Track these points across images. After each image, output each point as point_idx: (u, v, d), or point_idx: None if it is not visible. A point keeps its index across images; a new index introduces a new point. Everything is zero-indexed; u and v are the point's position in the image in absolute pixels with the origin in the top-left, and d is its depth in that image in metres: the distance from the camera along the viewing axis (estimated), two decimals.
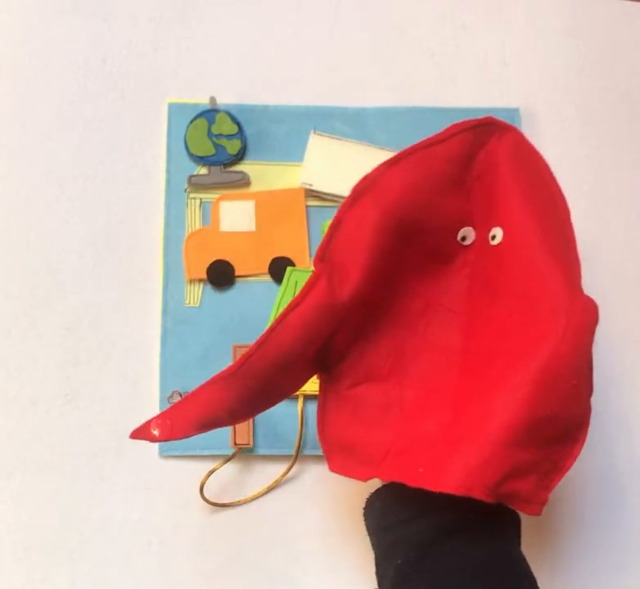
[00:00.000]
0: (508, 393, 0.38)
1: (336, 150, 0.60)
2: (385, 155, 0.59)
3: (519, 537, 0.44)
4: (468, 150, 0.42)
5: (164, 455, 0.56)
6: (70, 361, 0.57)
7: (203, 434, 0.56)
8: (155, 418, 0.43)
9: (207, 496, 0.55)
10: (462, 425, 0.40)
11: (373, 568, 0.55)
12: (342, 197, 0.59)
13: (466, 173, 0.43)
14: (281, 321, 0.41)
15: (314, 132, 0.60)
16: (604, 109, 0.64)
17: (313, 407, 0.56)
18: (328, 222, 0.59)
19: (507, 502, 0.39)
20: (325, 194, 0.59)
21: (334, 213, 0.59)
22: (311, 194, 0.60)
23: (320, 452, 0.56)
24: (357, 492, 0.56)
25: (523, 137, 0.44)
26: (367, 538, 0.56)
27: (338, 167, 0.59)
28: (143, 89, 0.62)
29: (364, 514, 0.47)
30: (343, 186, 0.59)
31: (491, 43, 0.65)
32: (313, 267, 0.42)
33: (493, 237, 0.42)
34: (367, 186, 0.42)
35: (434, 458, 0.40)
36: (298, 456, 0.55)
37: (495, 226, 0.42)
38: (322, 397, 0.46)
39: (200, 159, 0.60)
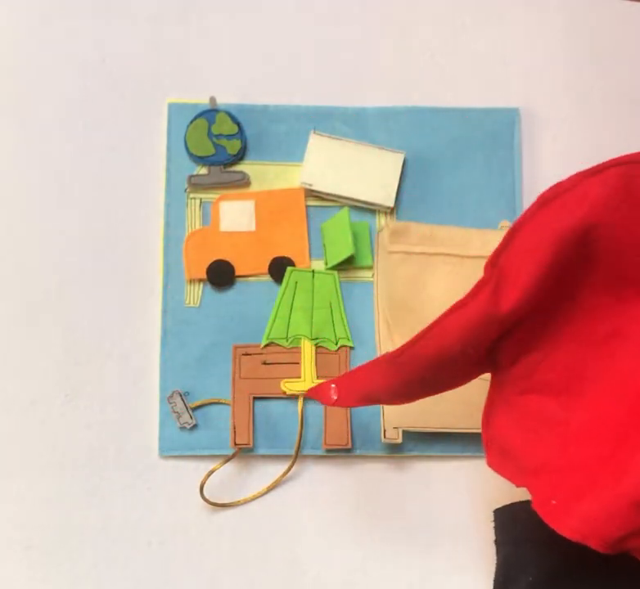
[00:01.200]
0: None
1: (336, 150, 0.60)
2: (385, 155, 0.60)
3: None
4: None
5: (164, 455, 0.56)
6: (70, 361, 0.57)
7: (203, 434, 0.56)
8: (330, 382, 0.46)
9: (207, 496, 0.55)
10: (608, 465, 0.39)
11: (373, 568, 0.55)
12: (342, 197, 0.60)
13: None
14: (439, 321, 0.40)
15: (314, 132, 0.60)
16: (604, 109, 0.64)
17: (312, 407, 0.56)
18: (328, 223, 0.59)
19: (633, 554, 0.38)
20: (325, 194, 0.59)
21: (334, 213, 0.60)
22: (311, 194, 0.60)
23: (319, 452, 0.56)
24: (357, 492, 0.56)
25: None
26: (367, 538, 0.56)
27: (338, 167, 0.59)
28: (143, 89, 0.62)
29: (496, 518, 0.47)
30: (343, 186, 0.60)
31: (491, 43, 0.65)
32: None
33: None
34: (557, 195, 0.38)
35: (572, 493, 0.39)
36: (298, 456, 0.55)
37: None
38: (491, 396, 0.44)
39: (200, 159, 0.60)
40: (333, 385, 0.46)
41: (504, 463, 0.43)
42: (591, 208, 0.37)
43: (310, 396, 0.48)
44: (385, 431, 0.55)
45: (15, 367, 0.57)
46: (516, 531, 0.45)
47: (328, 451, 0.56)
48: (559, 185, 0.38)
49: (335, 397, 0.46)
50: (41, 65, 0.62)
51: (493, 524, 0.52)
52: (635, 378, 0.40)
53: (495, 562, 0.51)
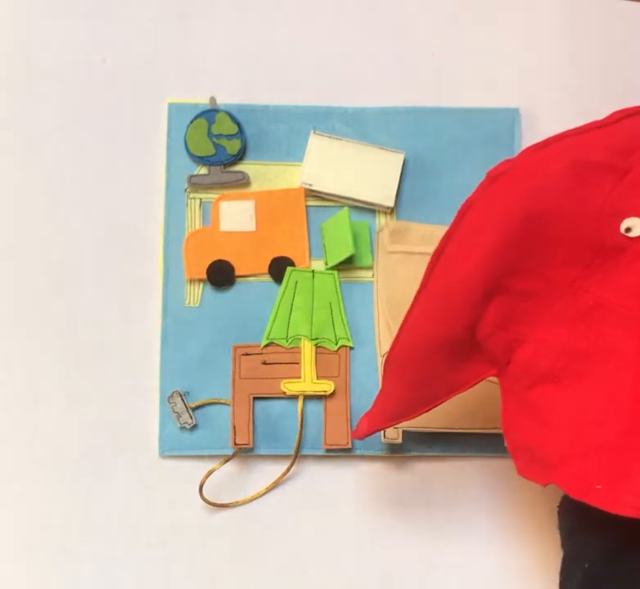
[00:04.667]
0: None
1: (336, 150, 0.60)
2: (385, 155, 0.60)
3: None
4: (632, 137, 0.39)
5: (164, 455, 0.56)
6: (71, 361, 0.57)
7: (203, 434, 0.56)
8: (363, 417, 0.48)
9: (207, 497, 0.55)
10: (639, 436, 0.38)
11: (373, 568, 0.55)
12: (342, 197, 0.60)
13: (630, 160, 0.39)
14: (410, 308, 0.42)
15: (314, 132, 0.60)
16: (604, 109, 0.64)
17: (312, 407, 0.56)
18: (328, 223, 0.59)
19: None
20: (325, 194, 0.59)
21: (334, 212, 0.60)
22: (311, 194, 0.60)
23: (319, 452, 0.56)
24: (357, 492, 0.56)
25: None
26: (366, 538, 0.56)
27: (338, 167, 0.59)
28: (143, 89, 0.62)
29: (559, 512, 0.46)
30: (343, 186, 0.60)
31: (491, 44, 0.65)
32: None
33: None
34: (505, 170, 0.39)
35: (612, 473, 0.38)
36: (297, 456, 0.55)
37: None
38: (503, 401, 0.44)
39: (200, 159, 0.60)
40: (364, 419, 0.48)
41: (530, 465, 0.43)
42: (538, 179, 0.38)
43: (355, 437, 0.50)
44: (384, 431, 0.55)
45: (15, 367, 0.57)
46: (565, 523, 0.45)
47: (328, 451, 0.56)
48: (507, 161, 0.40)
49: (363, 431, 0.48)
50: (41, 65, 0.62)
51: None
52: (626, 344, 0.40)
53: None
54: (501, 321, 0.41)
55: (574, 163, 0.38)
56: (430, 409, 0.46)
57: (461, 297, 0.40)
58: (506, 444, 0.44)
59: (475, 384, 0.44)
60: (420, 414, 0.46)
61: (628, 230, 0.40)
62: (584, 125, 0.39)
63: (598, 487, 0.38)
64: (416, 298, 0.42)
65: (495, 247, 0.39)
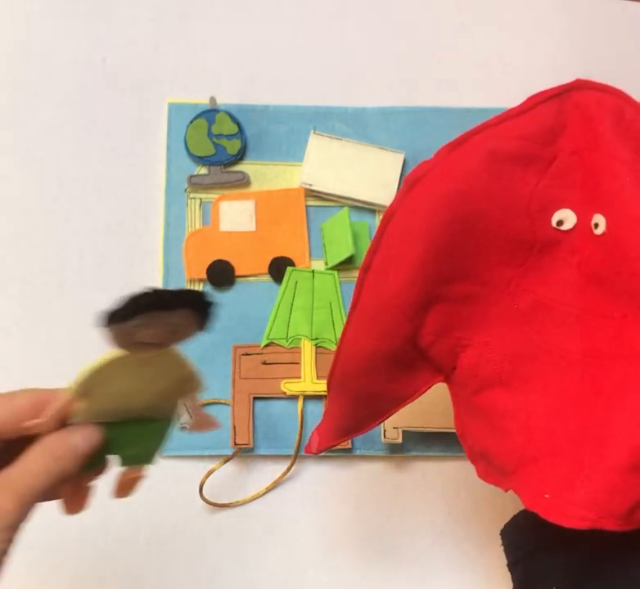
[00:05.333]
0: (628, 413, 0.35)
1: (336, 150, 0.60)
2: (385, 155, 0.60)
3: None
4: (551, 123, 0.37)
5: (164, 455, 0.56)
6: (71, 362, 0.57)
7: (203, 434, 0.56)
8: (313, 432, 0.47)
9: (207, 496, 0.55)
10: (586, 442, 0.37)
11: (373, 568, 0.55)
12: (342, 197, 0.60)
13: (553, 149, 0.37)
14: (346, 325, 0.40)
15: (314, 132, 0.60)
16: None
17: (312, 407, 0.56)
18: (328, 223, 0.59)
19: None
20: (325, 194, 0.59)
21: (334, 212, 0.60)
22: (311, 194, 0.60)
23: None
24: (357, 492, 0.56)
25: (626, 98, 0.38)
26: (366, 538, 0.56)
27: (338, 167, 0.59)
28: (143, 89, 0.62)
29: (505, 536, 0.44)
30: (343, 186, 0.60)
31: (491, 43, 0.65)
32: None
33: (596, 226, 0.37)
34: (423, 174, 0.37)
35: (560, 482, 0.37)
36: (297, 456, 0.55)
37: (596, 212, 0.37)
38: (455, 408, 0.43)
39: (200, 159, 0.60)
40: (314, 435, 0.47)
41: (489, 470, 0.42)
42: (458, 179, 0.36)
43: (306, 451, 0.48)
44: (385, 431, 0.55)
45: (16, 367, 0.57)
46: (527, 544, 0.43)
47: (328, 451, 0.56)
48: (424, 163, 0.37)
49: (314, 448, 0.47)
50: (41, 64, 0.62)
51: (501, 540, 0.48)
52: (570, 342, 0.38)
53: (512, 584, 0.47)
54: (441, 328, 0.39)
55: (493, 157, 0.36)
56: (381, 422, 0.45)
57: (395, 312, 0.38)
58: (464, 448, 0.43)
59: (424, 392, 0.42)
60: (371, 428, 0.45)
61: (559, 223, 0.38)
62: (500, 115, 0.37)
63: (546, 496, 0.37)
64: (349, 315, 0.40)
65: (422, 256, 0.37)
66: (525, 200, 0.37)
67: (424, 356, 0.40)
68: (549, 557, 0.41)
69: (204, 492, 0.54)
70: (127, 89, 0.62)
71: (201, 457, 0.56)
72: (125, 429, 0.39)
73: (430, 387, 0.42)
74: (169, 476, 0.56)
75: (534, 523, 0.40)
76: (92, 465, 0.38)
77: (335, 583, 0.55)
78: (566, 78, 0.65)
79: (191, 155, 0.60)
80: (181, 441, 0.56)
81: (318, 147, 0.60)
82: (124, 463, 0.40)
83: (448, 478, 0.57)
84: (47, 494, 0.36)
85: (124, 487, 0.42)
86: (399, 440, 0.55)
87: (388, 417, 0.44)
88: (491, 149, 0.36)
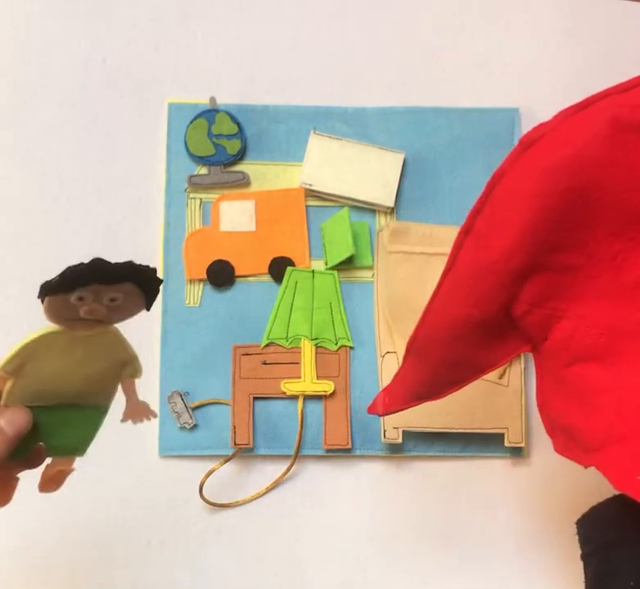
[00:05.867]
0: None
1: (336, 150, 0.60)
2: (385, 155, 0.60)
3: None
4: None
5: (164, 455, 0.56)
6: None
7: (203, 434, 0.56)
8: (380, 393, 0.46)
9: (207, 496, 0.55)
10: None
11: (373, 568, 0.55)
12: (342, 197, 0.59)
13: None
14: (435, 291, 0.39)
15: (314, 132, 0.60)
16: None
17: (312, 407, 0.56)
18: (328, 223, 0.59)
19: None
20: (325, 194, 0.59)
21: (334, 212, 0.60)
22: (311, 194, 0.60)
23: (319, 452, 0.56)
24: (357, 492, 0.56)
25: None
26: (366, 538, 0.56)
27: (338, 167, 0.59)
28: (143, 89, 0.62)
29: (582, 526, 0.43)
30: (343, 186, 0.60)
31: (491, 43, 0.65)
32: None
33: None
34: (541, 135, 0.35)
35: None
36: (297, 456, 0.55)
37: None
38: (539, 379, 0.42)
39: (200, 159, 0.60)
40: (381, 397, 0.46)
41: (569, 444, 0.40)
42: (577, 145, 0.35)
43: (370, 411, 0.48)
44: (385, 431, 0.55)
45: None
46: (605, 536, 0.42)
47: (328, 451, 0.56)
48: (542, 125, 0.36)
49: (380, 409, 0.46)
50: (41, 65, 0.62)
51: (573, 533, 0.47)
52: None
53: (584, 578, 0.45)
54: (538, 298, 0.38)
55: (617, 125, 0.34)
56: (457, 390, 0.43)
57: (493, 278, 0.37)
58: (542, 422, 0.42)
59: (508, 361, 0.41)
60: (445, 395, 0.44)
61: None
62: (628, 81, 0.35)
63: (639, 478, 0.36)
64: (442, 278, 0.39)
65: (531, 223, 0.35)
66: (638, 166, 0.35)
67: (515, 325, 0.39)
68: (629, 552, 0.40)
69: (204, 492, 0.54)
70: (127, 89, 0.62)
71: (201, 457, 0.56)
72: (56, 414, 0.38)
73: (515, 356, 0.41)
74: (169, 476, 0.56)
75: (615, 515, 0.40)
76: (20, 452, 0.37)
77: (335, 583, 0.55)
78: (566, 78, 0.65)
79: (191, 155, 0.60)
80: (181, 441, 0.56)
81: (318, 147, 0.60)
82: (53, 453, 0.39)
83: (448, 478, 0.57)
84: None
85: (51, 481, 0.40)
86: (399, 440, 0.55)
87: (465, 385, 0.43)
88: (615, 116, 0.34)
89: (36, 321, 0.61)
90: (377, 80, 0.64)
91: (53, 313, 0.34)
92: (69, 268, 0.32)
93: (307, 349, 0.57)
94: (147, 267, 0.34)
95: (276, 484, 0.56)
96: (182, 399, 0.56)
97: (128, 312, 0.36)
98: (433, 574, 0.55)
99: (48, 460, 0.39)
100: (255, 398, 0.56)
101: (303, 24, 0.64)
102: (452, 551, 0.55)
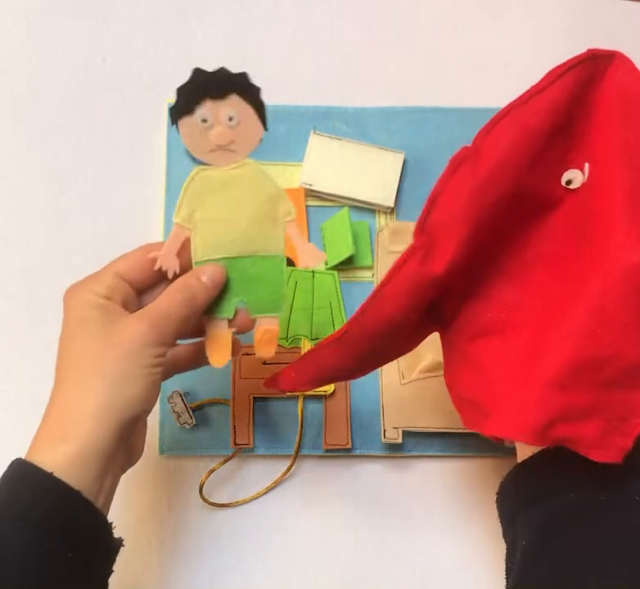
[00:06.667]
0: (559, 332, 0.38)
1: (336, 150, 0.60)
2: (385, 155, 0.60)
3: None
4: (572, 93, 0.39)
5: (164, 455, 0.56)
6: None
7: (203, 434, 0.56)
8: (286, 369, 0.48)
9: (207, 496, 0.55)
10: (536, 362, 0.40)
11: (373, 568, 0.55)
12: (342, 197, 0.59)
13: (572, 116, 0.40)
14: (376, 293, 0.41)
15: (314, 132, 0.60)
16: None
17: (312, 407, 0.56)
18: (328, 223, 0.59)
19: (570, 447, 0.38)
20: (325, 194, 0.59)
21: (334, 212, 0.60)
22: (311, 194, 0.60)
23: (319, 452, 0.56)
24: (357, 492, 0.56)
25: (632, 65, 0.40)
26: (366, 538, 0.56)
27: (338, 167, 0.59)
28: (143, 89, 0.62)
29: (498, 500, 0.46)
30: (343, 186, 0.60)
31: (491, 43, 0.65)
32: (412, 239, 0.41)
33: (569, 182, 0.41)
34: (467, 155, 0.40)
35: (510, 401, 0.40)
36: (298, 456, 0.55)
37: (585, 161, 0.40)
38: (446, 353, 0.45)
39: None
40: (287, 372, 0.48)
41: (473, 417, 0.43)
42: (499, 159, 0.39)
43: (268, 385, 0.49)
44: (385, 431, 0.55)
45: (17, 368, 0.57)
46: (509, 511, 0.45)
47: (328, 451, 0.56)
48: (466, 148, 0.40)
49: (291, 384, 0.48)
50: (41, 64, 0.62)
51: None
52: (565, 296, 0.40)
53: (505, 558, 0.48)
54: (458, 286, 0.42)
55: (525, 132, 0.39)
56: (364, 374, 0.47)
57: (434, 290, 0.41)
58: (451, 398, 0.45)
59: (418, 345, 0.45)
60: (359, 377, 0.48)
61: (568, 182, 0.41)
62: (525, 93, 0.40)
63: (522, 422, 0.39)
64: (384, 282, 0.42)
65: (469, 239, 0.40)
66: (546, 162, 0.40)
67: (432, 311, 0.43)
68: (522, 518, 0.43)
69: (204, 492, 0.54)
70: (127, 89, 0.62)
71: (201, 457, 0.56)
72: (241, 267, 0.43)
73: (424, 338, 0.45)
74: (169, 476, 0.56)
75: (514, 491, 0.43)
76: (225, 309, 0.44)
77: (334, 583, 0.55)
78: None
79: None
80: (181, 441, 0.56)
81: (318, 147, 0.60)
82: (254, 310, 0.44)
83: (448, 478, 0.57)
84: (185, 324, 0.42)
85: (262, 343, 0.46)
86: (399, 440, 0.55)
87: (374, 369, 0.47)
88: (524, 124, 0.39)
89: (36, 321, 0.61)
90: (377, 80, 0.64)
91: (192, 141, 0.41)
92: (177, 89, 0.39)
93: (307, 349, 0.57)
94: (240, 72, 0.39)
95: (276, 484, 0.56)
96: (182, 399, 0.56)
97: (251, 134, 0.41)
98: (434, 574, 0.55)
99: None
100: (255, 398, 0.56)
101: (303, 24, 0.64)
102: (453, 551, 0.55)
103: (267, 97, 0.62)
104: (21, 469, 0.39)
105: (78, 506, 0.38)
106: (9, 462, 0.40)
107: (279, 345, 0.57)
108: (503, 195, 0.40)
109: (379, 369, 0.57)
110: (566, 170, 0.41)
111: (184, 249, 0.43)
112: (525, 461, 0.43)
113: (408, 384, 0.56)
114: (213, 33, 0.64)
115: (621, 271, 0.37)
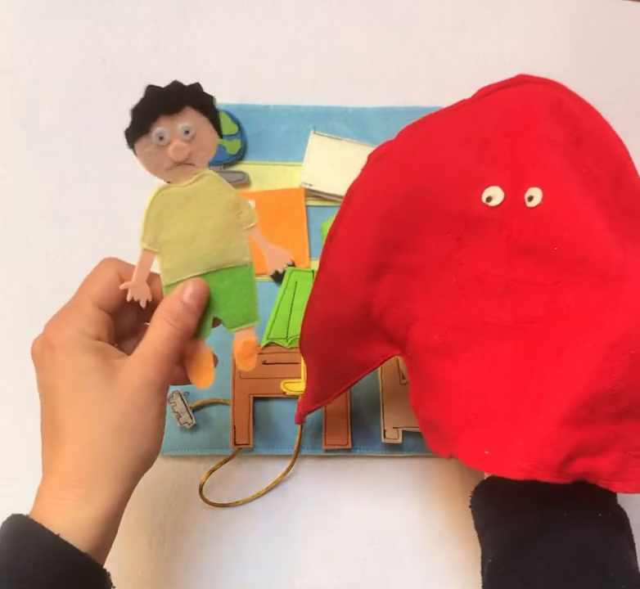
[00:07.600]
0: (564, 369, 0.38)
1: (336, 150, 0.60)
2: None
3: (626, 535, 0.42)
4: (495, 111, 0.41)
5: (164, 455, 0.56)
6: None
7: (203, 434, 0.56)
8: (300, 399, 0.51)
9: (207, 496, 0.55)
10: (524, 400, 0.39)
11: (373, 569, 0.55)
12: (342, 197, 0.59)
13: (490, 132, 0.41)
14: (313, 287, 0.43)
15: (314, 132, 0.60)
16: (604, 108, 0.64)
17: None
18: (328, 223, 0.59)
19: (590, 481, 0.38)
20: (325, 194, 0.59)
21: (334, 212, 0.59)
22: (311, 194, 0.60)
23: (319, 452, 0.56)
24: (357, 492, 0.56)
25: (565, 91, 0.42)
26: (366, 538, 0.56)
27: (338, 167, 0.59)
28: (143, 89, 0.62)
29: (471, 511, 0.47)
30: (343, 186, 0.59)
31: (491, 43, 0.65)
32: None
33: (531, 198, 0.40)
34: (386, 151, 0.41)
35: (499, 438, 0.39)
36: (298, 456, 0.55)
37: (531, 186, 0.40)
38: (410, 378, 0.45)
39: None
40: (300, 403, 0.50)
41: (435, 438, 0.43)
42: (417, 159, 0.40)
43: (298, 422, 0.52)
44: (385, 431, 0.55)
45: (16, 368, 0.57)
46: (480, 522, 0.46)
47: (328, 451, 0.56)
48: (386, 143, 0.42)
49: (297, 414, 0.50)
50: (41, 65, 0.62)
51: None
52: (501, 312, 0.41)
53: None
54: (391, 299, 0.42)
55: (448, 139, 0.40)
56: (345, 390, 0.47)
57: (350, 276, 0.42)
58: (416, 420, 0.45)
59: (381, 363, 0.45)
60: (337, 395, 0.48)
61: (488, 199, 0.41)
62: (456, 103, 0.42)
63: (486, 452, 0.39)
64: (315, 279, 0.43)
65: (380, 227, 0.40)
66: (465, 177, 0.41)
67: (378, 326, 0.43)
68: (491, 532, 0.43)
69: (204, 492, 0.54)
70: (127, 89, 0.62)
71: (201, 457, 0.56)
72: (213, 282, 0.42)
73: (386, 359, 0.45)
74: (169, 476, 0.56)
75: (485, 502, 0.44)
76: (203, 330, 0.42)
77: (334, 583, 0.55)
78: (566, 78, 0.65)
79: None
80: (181, 441, 0.56)
81: (318, 147, 0.60)
82: (231, 324, 0.43)
83: (448, 478, 0.57)
84: (179, 354, 0.41)
85: (243, 357, 0.44)
86: (399, 440, 0.55)
87: (352, 385, 0.47)
88: (448, 131, 0.41)
89: (36, 321, 0.61)
90: (377, 80, 0.64)
91: (149, 162, 0.39)
92: (131, 109, 0.37)
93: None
94: (193, 83, 0.38)
95: (276, 484, 0.56)
96: (182, 399, 0.56)
97: (207, 144, 0.40)
98: (433, 574, 0.55)
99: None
100: (255, 398, 0.56)
101: (303, 24, 0.64)
102: (453, 551, 0.55)
103: (267, 97, 0.62)
104: (27, 528, 0.38)
105: (89, 572, 0.38)
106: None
107: (279, 345, 0.57)
108: (420, 195, 0.40)
109: (379, 369, 0.57)
110: (486, 187, 0.41)
111: (155, 275, 0.41)
112: (489, 479, 0.44)
113: (408, 384, 0.56)
114: (213, 33, 0.64)
115: (626, 298, 0.37)
